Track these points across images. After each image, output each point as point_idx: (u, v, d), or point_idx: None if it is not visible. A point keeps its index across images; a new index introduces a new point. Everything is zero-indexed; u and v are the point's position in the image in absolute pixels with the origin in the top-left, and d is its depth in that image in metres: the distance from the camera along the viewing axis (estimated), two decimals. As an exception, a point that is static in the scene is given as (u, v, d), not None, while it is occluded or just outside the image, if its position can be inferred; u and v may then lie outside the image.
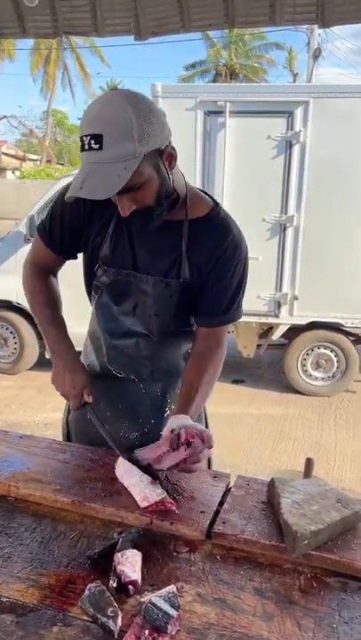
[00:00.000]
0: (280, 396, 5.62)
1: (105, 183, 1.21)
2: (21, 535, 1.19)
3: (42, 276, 1.63)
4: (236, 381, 5.84)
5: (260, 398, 5.54)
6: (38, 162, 35.74)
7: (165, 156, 1.30)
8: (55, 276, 1.67)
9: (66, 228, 1.51)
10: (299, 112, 4.86)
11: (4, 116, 35.10)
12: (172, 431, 1.30)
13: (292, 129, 4.90)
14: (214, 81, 29.61)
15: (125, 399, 1.61)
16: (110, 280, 1.49)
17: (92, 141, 1.20)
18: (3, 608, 0.99)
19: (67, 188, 1.47)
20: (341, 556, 1.11)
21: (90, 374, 1.59)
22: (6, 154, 35.86)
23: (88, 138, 1.20)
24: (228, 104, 4.88)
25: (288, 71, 31.90)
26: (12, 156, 36.97)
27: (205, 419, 1.77)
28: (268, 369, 6.43)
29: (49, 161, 34.70)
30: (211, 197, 1.52)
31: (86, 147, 1.21)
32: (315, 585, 1.07)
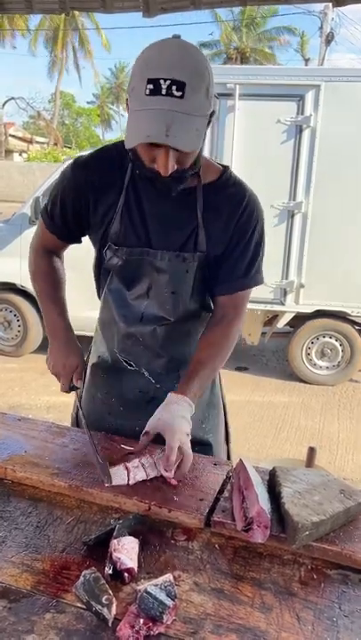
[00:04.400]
0: (284, 385, 5.59)
1: (188, 135, 1.15)
2: (17, 519, 1.17)
3: (45, 257, 1.60)
4: (239, 368, 5.82)
5: (264, 386, 5.51)
6: (45, 144, 35.54)
7: (210, 120, 1.25)
8: (60, 257, 1.64)
9: (69, 213, 1.46)
10: (310, 96, 4.77)
11: (12, 98, 34.89)
12: (147, 434, 1.29)
13: (302, 113, 4.81)
14: (225, 64, 29.22)
15: (138, 393, 1.55)
16: (122, 261, 1.42)
17: (174, 87, 1.11)
18: (-5, 593, 0.97)
19: (69, 170, 1.44)
20: (343, 547, 1.08)
21: (100, 367, 1.56)
22: (14, 136, 35.69)
23: (168, 82, 1.11)
24: (237, 86, 4.79)
25: (300, 56, 31.47)
26: (20, 138, 36.81)
27: (224, 408, 1.72)
28: (272, 357, 6.40)
29: (56, 144, 34.49)
30: (218, 162, 1.48)
31: (164, 91, 1.11)
32: (315, 577, 1.05)
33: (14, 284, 5.60)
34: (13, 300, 5.72)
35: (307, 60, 30.97)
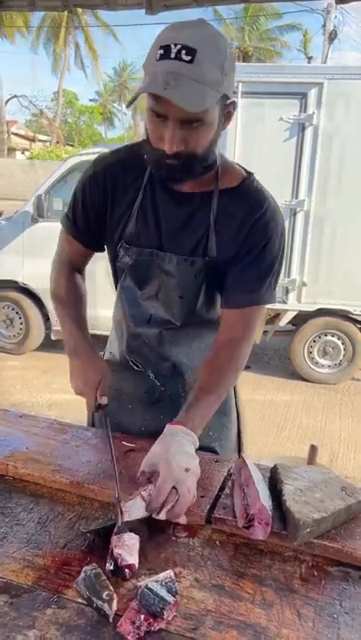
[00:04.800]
0: (285, 383, 5.59)
1: (191, 96, 1.08)
2: (18, 515, 1.18)
3: (67, 274, 1.54)
4: (241, 367, 5.82)
5: (266, 384, 5.51)
6: (48, 143, 35.55)
7: (227, 109, 1.21)
8: (82, 272, 1.59)
9: (90, 216, 1.43)
10: (313, 94, 4.76)
11: (15, 96, 34.88)
12: (143, 473, 1.16)
13: (305, 111, 4.81)
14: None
15: (144, 395, 1.54)
16: (132, 260, 1.40)
17: (184, 51, 1.07)
18: (-4, 588, 0.97)
19: (89, 172, 1.41)
20: (344, 544, 1.08)
21: (110, 364, 1.51)
22: (16, 134, 35.73)
23: (178, 46, 1.07)
24: (240, 84, 4.78)
25: (303, 54, 31.38)
26: (22, 136, 36.83)
27: (237, 409, 1.70)
28: (274, 355, 6.40)
29: (58, 142, 34.50)
30: (243, 168, 1.40)
31: (173, 55, 1.07)
32: (316, 574, 1.05)
33: (16, 282, 5.61)
34: (15, 297, 5.72)
35: (310, 59, 30.88)
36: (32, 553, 1.06)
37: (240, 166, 1.40)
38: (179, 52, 1.07)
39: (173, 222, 1.37)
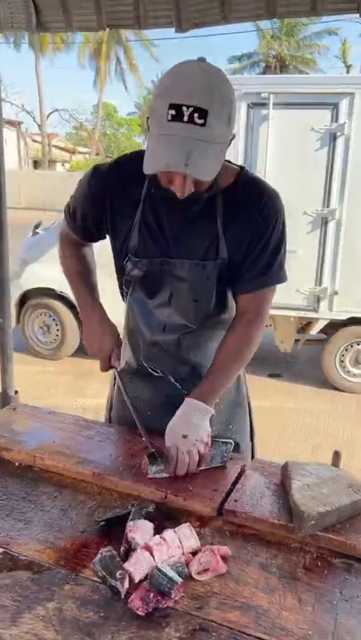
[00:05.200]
0: (317, 392, 5.56)
1: (206, 163, 1.15)
2: (43, 502, 1.27)
3: (74, 245, 1.64)
4: (272, 375, 5.82)
5: (297, 393, 5.50)
6: (87, 155, 36.27)
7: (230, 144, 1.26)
8: (89, 245, 1.68)
9: (89, 220, 1.50)
10: (344, 104, 4.76)
11: (56, 110, 35.81)
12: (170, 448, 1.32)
13: (336, 121, 4.81)
14: (264, 73, 29.18)
15: (164, 399, 1.56)
16: (142, 272, 1.44)
17: (197, 115, 1.11)
18: (21, 565, 1.06)
19: (88, 179, 1.46)
20: (348, 538, 1.13)
21: (125, 372, 1.60)
22: (56, 146, 36.59)
23: (191, 109, 1.11)
24: (271, 96, 4.84)
25: (341, 62, 31.15)
26: (62, 148, 37.69)
27: (249, 406, 1.75)
28: (305, 364, 6.37)
29: (98, 154, 35.17)
30: (233, 163, 1.46)
31: (185, 118, 1.11)
32: (319, 564, 1.10)
33: (53, 290, 5.79)
34: (52, 305, 5.90)
35: (348, 67, 30.64)
36: (54, 536, 1.15)
37: (230, 162, 1.44)
38: (191, 114, 1.11)
39: (180, 229, 1.41)
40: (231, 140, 1.25)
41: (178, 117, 1.12)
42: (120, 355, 1.57)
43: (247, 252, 1.42)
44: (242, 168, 1.45)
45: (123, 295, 1.59)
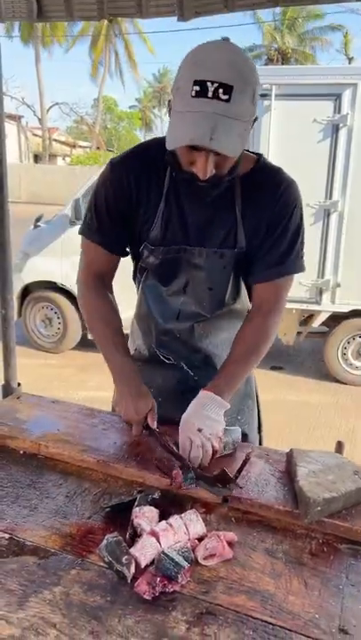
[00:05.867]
0: (319, 384, 5.56)
1: (231, 139, 1.14)
2: (49, 489, 1.27)
3: (98, 291, 1.52)
4: (274, 368, 5.83)
5: (299, 385, 5.50)
6: (88, 149, 36.19)
7: (252, 126, 1.23)
8: (110, 285, 1.57)
9: (115, 217, 1.42)
10: (347, 95, 4.74)
11: (56, 103, 35.71)
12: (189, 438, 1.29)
13: (339, 112, 4.79)
14: (266, 65, 29.04)
15: (176, 386, 1.55)
16: (159, 260, 1.43)
17: (221, 90, 1.10)
18: (27, 551, 1.06)
19: (107, 172, 1.41)
20: (354, 523, 1.13)
21: (136, 359, 1.57)
22: (57, 140, 36.52)
23: (215, 85, 1.10)
24: (273, 87, 4.82)
25: (343, 55, 30.97)
26: (63, 142, 37.63)
27: (257, 397, 1.74)
28: (307, 357, 6.37)
29: (98, 148, 35.08)
30: (251, 152, 1.45)
31: (210, 94, 1.11)
32: (325, 550, 1.10)
33: (55, 283, 5.78)
34: (54, 297, 5.90)
35: (350, 60, 30.47)
36: (60, 522, 1.15)
37: (247, 150, 1.42)
38: (216, 90, 1.10)
39: (199, 216, 1.40)
40: (254, 120, 1.23)
41: (202, 93, 1.11)
42: (156, 417, 1.42)
43: (264, 240, 1.40)
44: (260, 155, 1.44)
45: (135, 281, 1.58)
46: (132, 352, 1.62)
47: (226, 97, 1.11)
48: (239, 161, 1.29)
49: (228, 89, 1.11)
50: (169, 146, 1.20)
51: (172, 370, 1.57)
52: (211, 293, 1.45)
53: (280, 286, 1.44)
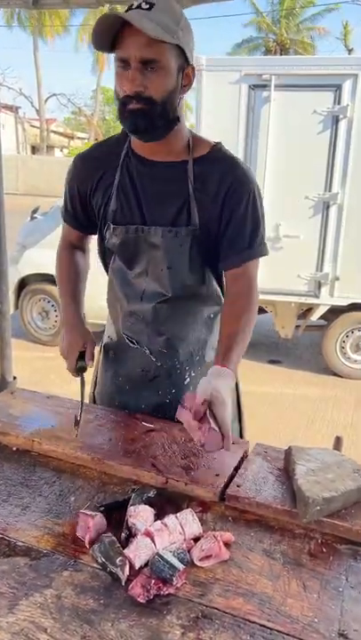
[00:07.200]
0: (317, 378, 5.54)
1: (150, 24, 1.23)
2: (41, 487, 1.24)
3: (68, 251, 1.70)
4: (272, 361, 5.80)
5: (297, 379, 5.48)
6: (86, 140, 35.97)
7: (185, 72, 1.35)
8: (83, 250, 1.73)
9: (77, 203, 1.57)
10: (347, 85, 4.68)
11: (54, 94, 35.45)
12: (204, 402, 1.22)
13: (339, 103, 4.73)
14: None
15: (141, 372, 1.60)
16: (120, 240, 1.48)
17: (143, 3, 1.25)
18: (18, 552, 1.04)
19: (75, 164, 1.57)
20: (354, 523, 1.10)
21: (108, 348, 1.64)
22: (55, 132, 36.30)
23: (140, 2, 1.25)
24: (273, 77, 4.75)
25: (343, 45, 30.68)
26: (61, 133, 37.40)
27: (237, 386, 1.71)
28: (305, 350, 6.35)
29: (97, 139, 34.86)
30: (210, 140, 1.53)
31: (135, 6, 1.26)
32: (324, 550, 1.08)
33: (52, 275, 5.73)
34: (51, 290, 5.85)
35: (350, 51, 30.20)
36: (52, 522, 1.12)
37: (205, 138, 1.52)
38: (140, 4, 1.26)
39: (152, 194, 1.45)
40: (188, 65, 1.34)
41: (129, 8, 1.27)
42: (93, 354, 1.53)
43: (222, 224, 1.44)
44: (217, 143, 1.50)
45: (105, 267, 1.63)
46: (105, 341, 1.70)
47: (147, 6, 1.25)
48: (173, 105, 1.34)
49: (150, 4, 1.25)
50: (97, 40, 1.28)
51: (136, 355, 1.59)
52: (170, 272, 1.47)
53: (249, 271, 1.48)
